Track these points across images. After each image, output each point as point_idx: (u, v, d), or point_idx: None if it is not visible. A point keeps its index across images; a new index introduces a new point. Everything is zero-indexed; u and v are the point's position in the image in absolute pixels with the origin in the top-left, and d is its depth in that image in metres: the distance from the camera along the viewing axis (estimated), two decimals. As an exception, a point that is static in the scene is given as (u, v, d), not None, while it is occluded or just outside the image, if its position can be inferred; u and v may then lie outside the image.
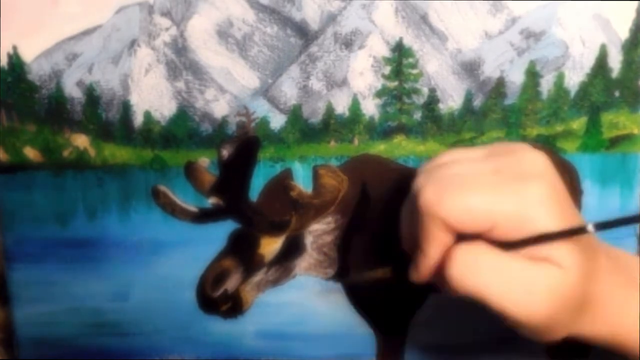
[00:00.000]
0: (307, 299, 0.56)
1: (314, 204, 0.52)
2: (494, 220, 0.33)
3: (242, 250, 0.54)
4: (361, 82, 0.52)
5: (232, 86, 0.53)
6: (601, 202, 0.53)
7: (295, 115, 0.53)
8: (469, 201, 0.33)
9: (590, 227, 0.33)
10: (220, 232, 0.54)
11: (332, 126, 0.53)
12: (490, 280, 0.33)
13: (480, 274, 0.33)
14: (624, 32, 0.50)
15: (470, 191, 0.33)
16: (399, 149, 0.53)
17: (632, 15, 0.50)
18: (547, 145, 0.53)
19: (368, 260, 0.54)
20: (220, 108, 0.53)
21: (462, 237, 0.34)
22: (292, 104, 0.53)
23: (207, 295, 0.54)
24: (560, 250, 0.33)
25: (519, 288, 0.33)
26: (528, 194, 0.33)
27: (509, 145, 0.37)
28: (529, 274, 0.33)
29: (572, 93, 0.52)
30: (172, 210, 0.54)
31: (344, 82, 0.53)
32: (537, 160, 0.35)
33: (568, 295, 0.33)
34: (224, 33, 0.53)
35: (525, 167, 0.34)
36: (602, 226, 0.33)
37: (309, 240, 0.54)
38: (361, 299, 0.55)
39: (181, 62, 0.53)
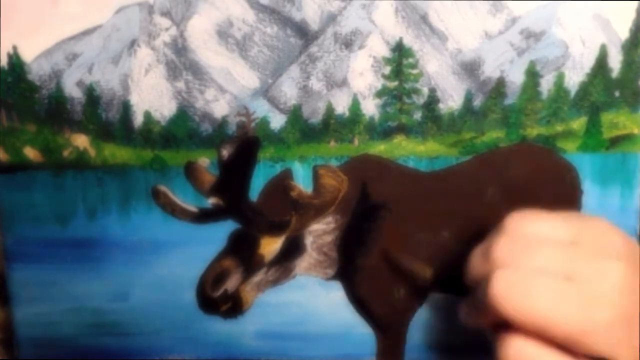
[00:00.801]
0: (307, 299, 0.56)
1: (314, 204, 0.52)
2: (553, 334, 0.33)
3: (242, 250, 0.54)
4: (361, 82, 0.52)
5: (232, 86, 0.53)
6: (601, 202, 0.53)
7: (295, 115, 0.53)
8: (534, 307, 0.33)
9: None
10: (220, 232, 0.54)
11: (332, 126, 0.53)
12: None
13: None
14: (624, 32, 0.50)
15: (538, 297, 0.33)
16: (399, 149, 0.53)
17: (632, 15, 0.50)
18: (547, 145, 0.53)
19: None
20: (220, 108, 0.53)
21: None
22: (292, 104, 0.53)
23: (207, 295, 0.54)
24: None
25: None
26: (593, 321, 0.32)
27: (600, 235, 0.35)
28: None
29: (572, 93, 0.52)
30: (172, 210, 0.54)
31: (344, 82, 0.53)
32: (614, 279, 0.33)
33: None
34: (224, 33, 0.53)
35: (600, 286, 0.33)
36: None
37: (309, 240, 0.54)
38: (361, 298, 0.55)
39: (181, 62, 0.53)
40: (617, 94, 0.51)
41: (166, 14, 0.53)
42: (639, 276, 0.34)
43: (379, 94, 0.52)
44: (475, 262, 0.37)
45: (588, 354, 0.33)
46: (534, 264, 0.34)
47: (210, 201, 0.52)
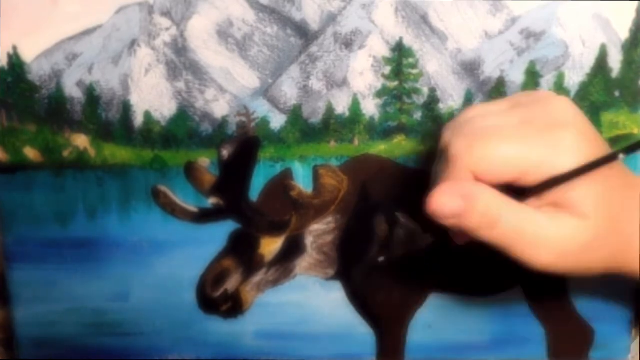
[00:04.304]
0: (307, 299, 0.56)
1: (314, 204, 0.52)
2: (524, 169, 0.33)
3: (242, 251, 0.54)
4: (361, 82, 0.52)
5: (232, 86, 0.53)
6: (601, 202, 0.53)
7: (295, 115, 0.53)
8: (499, 150, 0.33)
9: (621, 156, 0.32)
10: (220, 232, 0.54)
11: (332, 126, 0.53)
12: (505, 231, 0.33)
13: (496, 226, 0.33)
14: (624, 32, 0.50)
15: (500, 141, 0.33)
16: (399, 149, 0.53)
17: (632, 15, 0.50)
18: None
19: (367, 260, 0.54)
20: (220, 108, 0.53)
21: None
22: (292, 104, 0.53)
23: (207, 295, 0.54)
24: (582, 196, 0.33)
25: (533, 240, 0.33)
26: (559, 142, 0.33)
27: (531, 94, 0.37)
28: (542, 224, 0.33)
29: (572, 93, 0.52)
30: (172, 210, 0.54)
31: (344, 82, 0.53)
32: (564, 107, 0.35)
33: (589, 242, 0.33)
34: (224, 33, 0.53)
35: (554, 115, 0.34)
36: (632, 149, 0.32)
37: (309, 240, 0.54)
38: (362, 298, 0.56)
39: (181, 62, 0.53)
40: (617, 94, 0.51)
41: (166, 14, 0.53)
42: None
43: (379, 94, 0.52)
44: (435, 175, 0.37)
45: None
46: (486, 124, 0.34)
47: (210, 201, 0.52)
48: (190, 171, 0.53)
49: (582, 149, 0.33)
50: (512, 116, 0.35)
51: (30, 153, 0.54)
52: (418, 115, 0.53)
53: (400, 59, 0.52)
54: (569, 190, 0.33)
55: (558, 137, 0.33)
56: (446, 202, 0.34)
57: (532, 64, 0.52)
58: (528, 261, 0.34)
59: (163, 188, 0.54)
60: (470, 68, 0.52)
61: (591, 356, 0.55)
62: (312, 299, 0.56)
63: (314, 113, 0.53)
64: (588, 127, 0.35)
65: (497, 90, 0.52)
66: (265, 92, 0.53)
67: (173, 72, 0.53)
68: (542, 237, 0.34)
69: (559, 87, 0.52)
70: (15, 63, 0.52)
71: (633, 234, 0.35)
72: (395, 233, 0.53)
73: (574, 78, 0.51)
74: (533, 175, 0.33)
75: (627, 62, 0.51)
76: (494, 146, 0.33)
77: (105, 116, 0.54)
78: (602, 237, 0.34)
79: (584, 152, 0.33)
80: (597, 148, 0.34)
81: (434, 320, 0.55)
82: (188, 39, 0.53)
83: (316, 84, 0.53)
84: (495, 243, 0.34)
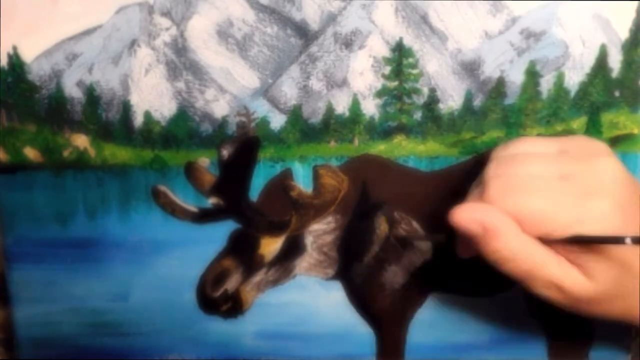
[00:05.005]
0: (307, 299, 0.56)
1: (314, 204, 0.52)
2: (553, 228, 0.33)
3: (242, 250, 0.54)
4: (361, 82, 0.52)
5: (232, 86, 0.53)
6: (601, 202, 0.53)
7: (295, 115, 0.53)
8: (530, 205, 0.33)
9: (628, 240, 0.33)
10: (220, 232, 0.54)
11: (332, 126, 0.53)
12: (516, 269, 0.34)
13: (508, 263, 0.34)
14: (624, 32, 0.50)
15: (534, 196, 0.33)
16: (399, 149, 0.53)
17: (632, 15, 0.50)
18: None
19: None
20: (220, 108, 0.53)
21: None
22: (292, 104, 0.53)
23: (207, 295, 0.54)
24: (596, 261, 0.33)
25: (543, 282, 0.34)
26: (592, 210, 0.33)
27: (582, 143, 0.36)
28: (554, 270, 0.34)
29: (572, 93, 0.52)
30: (172, 210, 0.54)
31: (344, 82, 0.53)
32: (608, 171, 0.35)
33: (592, 298, 0.34)
34: (224, 33, 0.53)
35: (596, 179, 0.34)
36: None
37: (309, 240, 0.54)
38: (362, 298, 0.55)
39: (181, 62, 0.53)
40: (617, 94, 0.51)
41: (166, 14, 0.53)
42: (625, 171, 0.35)
43: (379, 94, 0.52)
44: (472, 198, 0.37)
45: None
46: (527, 171, 0.35)
47: (210, 201, 0.52)
48: (190, 171, 0.53)
49: (615, 220, 0.33)
50: (556, 165, 0.35)
51: (30, 153, 0.54)
52: (418, 115, 0.53)
53: (400, 59, 0.52)
54: (588, 252, 0.34)
55: (593, 206, 0.33)
56: (468, 221, 0.35)
57: (532, 64, 0.52)
58: (540, 296, 0.36)
59: (163, 188, 0.54)
60: (470, 68, 0.52)
61: (591, 356, 0.55)
62: (312, 299, 0.56)
63: (314, 113, 0.53)
64: (627, 195, 0.35)
65: (497, 90, 0.52)
66: (265, 92, 0.53)
67: (173, 72, 0.53)
68: (552, 282, 0.35)
69: (559, 87, 0.52)
70: (15, 63, 0.52)
71: (636, 304, 0.36)
72: (395, 233, 0.53)
73: (574, 78, 0.51)
74: (561, 234, 0.33)
75: (627, 62, 0.51)
76: (526, 200, 0.33)
77: (105, 116, 0.54)
78: (606, 300, 0.35)
79: (616, 224, 0.33)
80: (632, 218, 0.34)
81: (434, 320, 0.55)
82: (188, 39, 0.53)
83: (316, 84, 0.53)
84: (506, 273, 0.35)
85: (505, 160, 0.36)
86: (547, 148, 0.36)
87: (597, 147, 0.37)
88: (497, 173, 0.35)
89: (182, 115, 0.53)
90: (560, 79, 0.51)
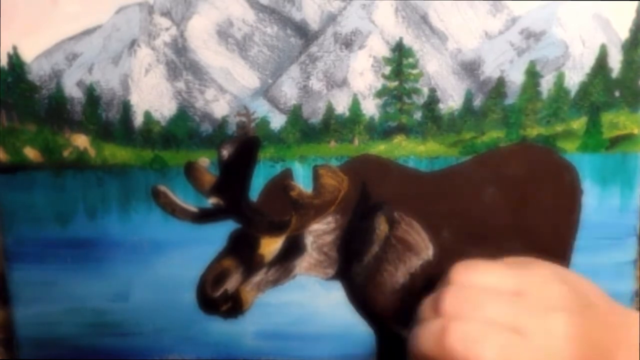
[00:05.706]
0: (307, 299, 0.56)
1: (314, 204, 0.52)
2: None
3: (242, 250, 0.54)
4: (361, 82, 0.52)
5: (232, 86, 0.53)
6: (601, 202, 0.53)
7: (295, 115, 0.53)
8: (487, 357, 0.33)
9: None
10: (220, 232, 0.54)
11: (332, 126, 0.53)
12: None
13: None
14: (624, 32, 0.50)
15: (489, 350, 0.33)
16: (399, 149, 0.53)
17: (632, 15, 0.50)
18: (547, 145, 0.53)
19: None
20: (220, 108, 0.53)
21: None
22: (292, 104, 0.53)
23: (207, 295, 0.54)
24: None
25: None
26: (551, 337, 0.33)
27: (541, 286, 0.36)
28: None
29: (572, 93, 0.52)
30: (172, 210, 0.54)
31: (344, 82, 0.53)
32: (559, 332, 0.34)
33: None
34: (224, 33, 0.53)
35: (547, 302, 0.34)
36: None
37: (309, 240, 0.54)
38: (362, 298, 0.55)
39: (181, 62, 0.53)
40: (617, 94, 0.51)
41: (166, 14, 0.53)
42: (583, 324, 0.34)
43: (379, 94, 0.52)
44: (424, 312, 0.37)
45: None
46: (484, 315, 0.35)
47: (210, 201, 0.52)
48: (190, 171, 0.53)
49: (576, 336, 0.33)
50: (511, 310, 0.34)
51: (30, 153, 0.54)
52: (418, 115, 0.53)
53: (400, 59, 0.52)
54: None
55: (550, 332, 0.33)
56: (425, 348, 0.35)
57: (532, 64, 0.52)
58: None
59: (163, 188, 0.54)
60: (470, 68, 0.52)
61: None
62: (312, 299, 0.56)
63: (314, 113, 0.53)
64: (582, 307, 0.35)
65: (497, 90, 0.52)
66: (265, 92, 0.53)
67: (173, 72, 0.53)
68: None
69: (559, 87, 0.52)
70: (15, 63, 0.52)
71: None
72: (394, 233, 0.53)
73: (574, 78, 0.51)
74: None
75: (627, 62, 0.51)
76: (486, 354, 0.34)
77: (105, 116, 0.54)
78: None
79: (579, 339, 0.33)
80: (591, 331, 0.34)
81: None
82: (188, 39, 0.53)
83: (316, 84, 0.53)
84: None
85: (463, 290, 0.36)
86: (505, 282, 0.36)
87: (555, 294, 0.36)
88: (455, 310, 0.35)
89: (182, 115, 0.53)
90: (560, 79, 0.51)
